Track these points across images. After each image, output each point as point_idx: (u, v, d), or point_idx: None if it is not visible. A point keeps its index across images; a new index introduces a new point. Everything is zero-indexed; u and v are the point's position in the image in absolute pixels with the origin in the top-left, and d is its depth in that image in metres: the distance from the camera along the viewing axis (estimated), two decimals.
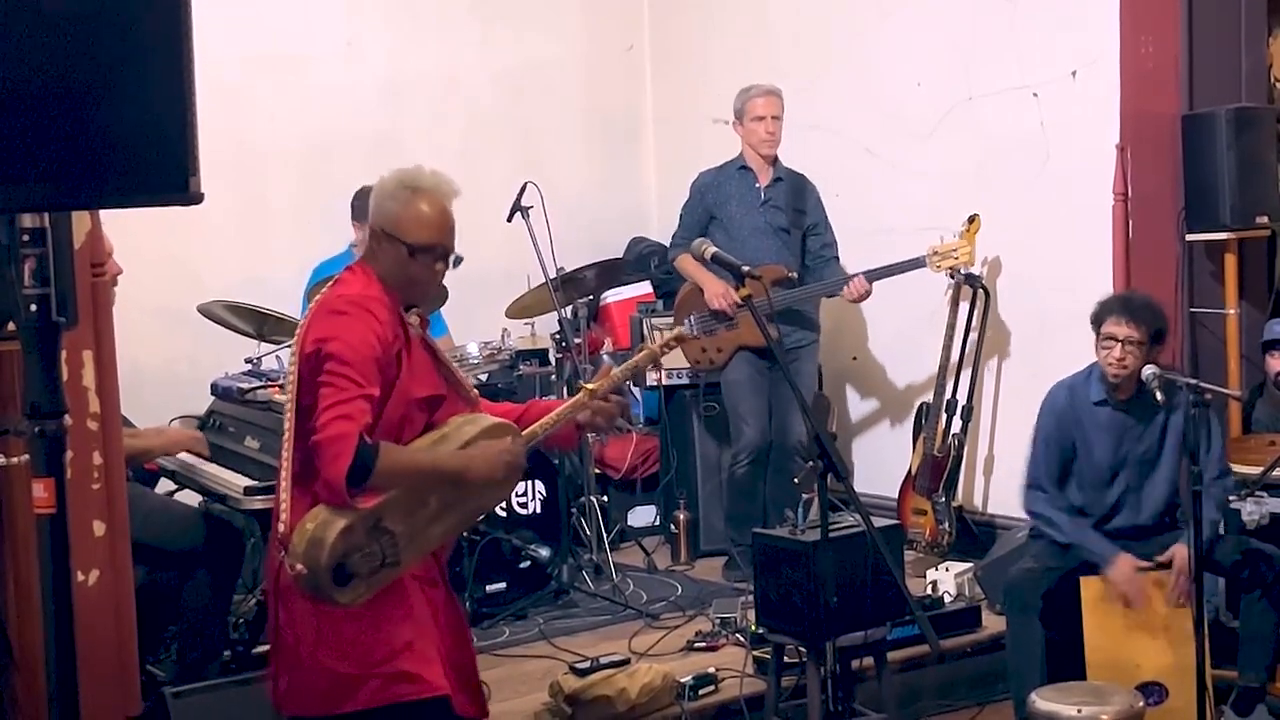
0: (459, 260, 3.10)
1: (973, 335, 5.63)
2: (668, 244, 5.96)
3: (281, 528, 2.80)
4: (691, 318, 5.64)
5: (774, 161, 5.72)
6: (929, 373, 5.72)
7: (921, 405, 5.63)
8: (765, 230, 5.61)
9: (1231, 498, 4.56)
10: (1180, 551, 4.18)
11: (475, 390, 3.24)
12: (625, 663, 4.26)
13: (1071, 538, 4.36)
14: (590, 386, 3.22)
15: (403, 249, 2.98)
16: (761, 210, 5.65)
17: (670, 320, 5.83)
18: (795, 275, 5.53)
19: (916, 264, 5.48)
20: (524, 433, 3.12)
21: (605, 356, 6.40)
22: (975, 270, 5.56)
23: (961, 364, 5.61)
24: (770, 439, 5.65)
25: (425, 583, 3.03)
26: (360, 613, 2.86)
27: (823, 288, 5.61)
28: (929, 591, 4.90)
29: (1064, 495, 4.47)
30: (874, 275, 5.48)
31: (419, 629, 2.96)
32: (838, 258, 5.74)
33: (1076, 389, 4.49)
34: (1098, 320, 4.38)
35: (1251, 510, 4.68)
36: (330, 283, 3.05)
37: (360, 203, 5.66)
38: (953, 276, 5.51)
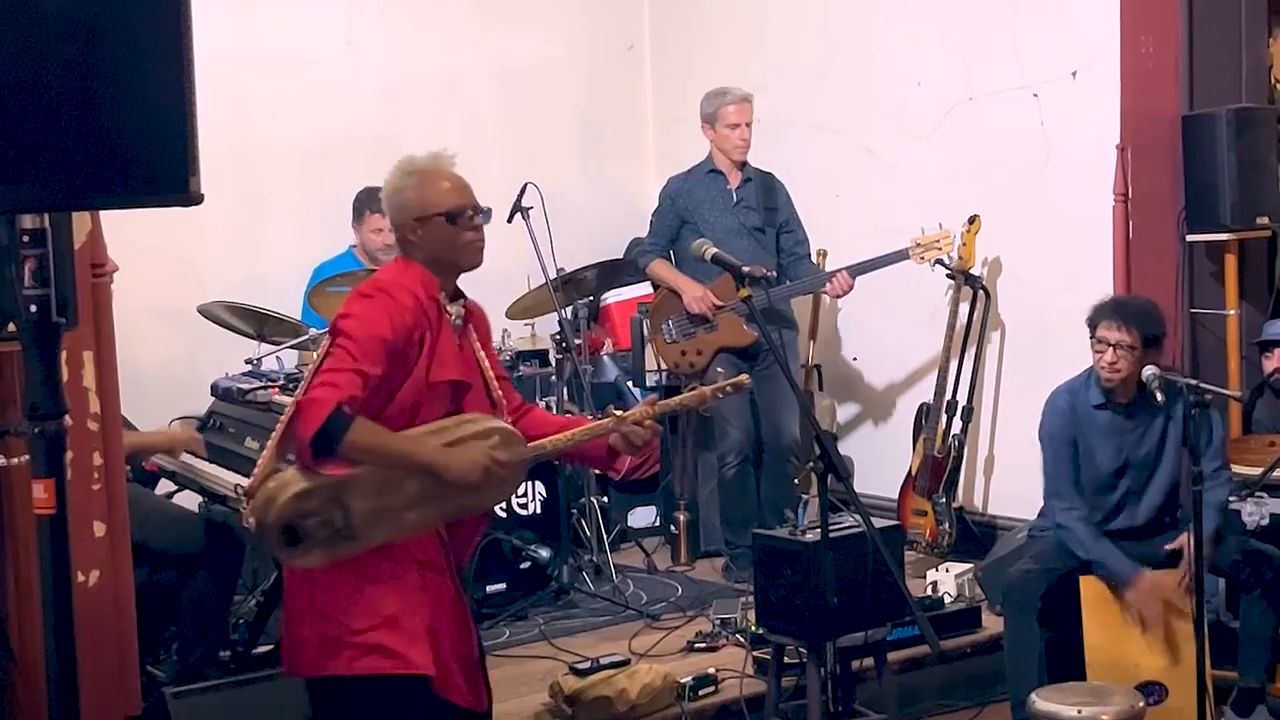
0: (489, 213, 3.16)
1: (973, 335, 5.63)
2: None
3: (253, 481, 2.90)
4: (669, 322, 5.62)
5: (742, 163, 5.71)
6: (929, 373, 5.72)
7: (921, 405, 5.62)
8: (740, 231, 5.58)
9: (1231, 498, 4.55)
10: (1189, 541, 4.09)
11: (503, 397, 3.20)
12: (625, 663, 4.26)
13: (1093, 554, 4.30)
14: (619, 414, 3.16)
15: (441, 220, 3.05)
16: (735, 212, 5.64)
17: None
18: (774, 274, 5.50)
19: (900, 256, 5.46)
20: (530, 445, 3.10)
21: (606, 358, 6.40)
22: (975, 270, 5.56)
23: (961, 364, 5.61)
24: (759, 440, 5.64)
25: (426, 566, 3.02)
26: (344, 580, 2.93)
27: (807, 285, 5.61)
28: (929, 592, 4.89)
29: (1085, 502, 4.39)
30: (858, 270, 5.48)
31: (407, 607, 2.96)
32: (810, 255, 5.74)
33: (1076, 393, 4.45)
34: (1092, 323, 4.36)
35: (1251, 511, 4.68)
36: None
37: (361, 204, 5.68)
38: (952, 277, 5.51)
